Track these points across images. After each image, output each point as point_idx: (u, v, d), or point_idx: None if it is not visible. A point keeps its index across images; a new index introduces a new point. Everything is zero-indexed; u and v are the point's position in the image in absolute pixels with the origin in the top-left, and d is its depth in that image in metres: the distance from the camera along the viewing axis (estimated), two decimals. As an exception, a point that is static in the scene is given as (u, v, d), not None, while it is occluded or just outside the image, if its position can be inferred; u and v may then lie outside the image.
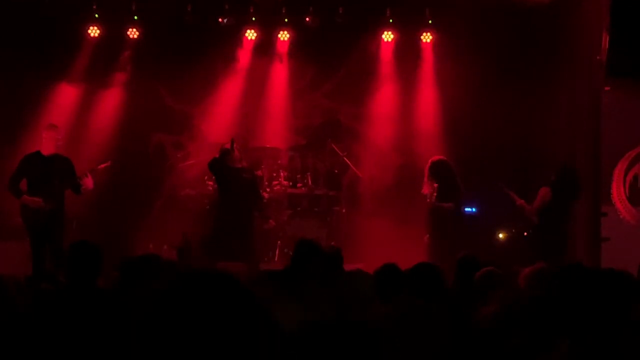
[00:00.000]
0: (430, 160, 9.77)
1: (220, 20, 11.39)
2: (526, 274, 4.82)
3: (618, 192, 9.68)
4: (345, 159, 11.15)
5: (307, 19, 11.39)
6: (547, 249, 9.02)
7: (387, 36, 11.42)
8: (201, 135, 11.75)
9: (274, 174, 10.98)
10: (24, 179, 9.03)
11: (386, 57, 11.56)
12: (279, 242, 10.58)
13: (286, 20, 11.49)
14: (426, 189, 9.71)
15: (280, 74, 11.79)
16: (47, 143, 9.05)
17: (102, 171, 9.84)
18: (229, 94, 11.83)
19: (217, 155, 9.77)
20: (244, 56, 11.68)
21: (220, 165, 9.74)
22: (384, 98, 11.56)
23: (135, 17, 11.35)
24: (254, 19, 11.46)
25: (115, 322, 3.43)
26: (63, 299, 4.05)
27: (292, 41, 11.59)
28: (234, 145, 9.72)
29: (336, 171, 11.41)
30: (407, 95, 11.55)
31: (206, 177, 10.92)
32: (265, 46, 11.65)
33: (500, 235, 10.71)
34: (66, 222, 9.37)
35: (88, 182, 9.15)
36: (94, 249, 4.61)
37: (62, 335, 3.51)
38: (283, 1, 11.40)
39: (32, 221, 8.91)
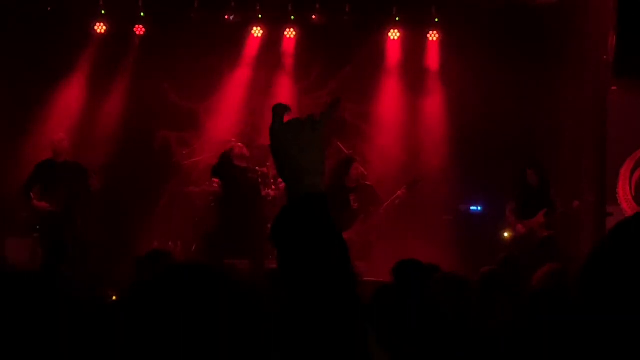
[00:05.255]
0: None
1: (226, 17, 11.40)
2: (540, 275, 4.78)
3: (624, 192, 9.66)
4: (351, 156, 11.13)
5: (314, 16, 11.38)
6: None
7: (394, 34, 11.41)
8: (207, 132, 11.75)
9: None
10: (37, 185, 9.61)
11: (392, 55, 11.55)
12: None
13: (292, 17, 11.48)
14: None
15: (286, 71, 11.79)
16: (58, 149, 9.70)
17: (102, 171, 9.96)
18: (234, 91, 11.84)
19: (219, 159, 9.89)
20: (250, 53, 11.68)
21: (222, 168, 9.80)
22: (390, 96, 11.55)
23: (142, 14, 11.36)
24: (260, 16, 11.46)
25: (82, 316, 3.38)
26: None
27: (299, 39, 11.59)
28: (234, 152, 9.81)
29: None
30: (413, 94, 11.54)
31: (211, 174, 10.93)
32: (271, 43, 11.65)
33: (506, 235, 10.68)
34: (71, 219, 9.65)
35: (93, 183, 9.48)
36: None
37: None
38: (289, -2, 11.41)
39: (41, 222, 9.52)
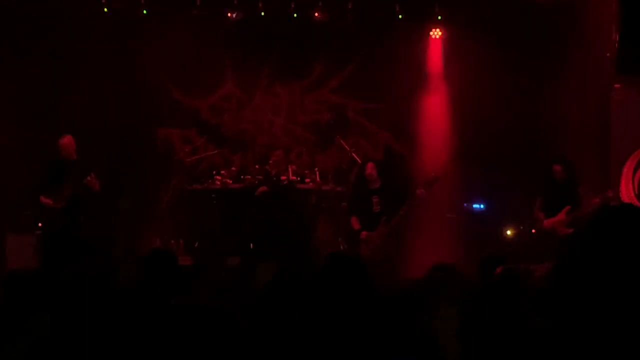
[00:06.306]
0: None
1: (229, 14, 11.40)
2: (541, 274, 4.74)
3: (627, 190, 9.64)
4: (353, 154, 11.11)
5: (316, 14, 11.38)
6: None
7: (396, 32, 11.39)
8: (209, 130, 11.76)
9: (282, 169, 10.97)
10: (49, 183, 9.50)
11: (395, 52, 11.53)
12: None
13: (295, 15, 11.47)
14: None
15: (288, 69, 11.78)
16: (64, 151, 9.48)
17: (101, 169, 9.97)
18: (237, 89, 11.84)
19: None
20: (252, 51, 11.67)
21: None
22: (393, 94, 11.53)
23: (145, 12, 11.36)
24: (262, 13, 11.45)
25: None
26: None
27: (301, 36, 11.57)
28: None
29: (344, 167, 11.41)
30: (415, 92, 11.52)
31: (214, 172, 10.93)
32: (273, 41, 11.64)
33: (508, 232, 10.69)
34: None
35: (93, 183, 9.45)
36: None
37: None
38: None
39: (43, 220, 9.46)
